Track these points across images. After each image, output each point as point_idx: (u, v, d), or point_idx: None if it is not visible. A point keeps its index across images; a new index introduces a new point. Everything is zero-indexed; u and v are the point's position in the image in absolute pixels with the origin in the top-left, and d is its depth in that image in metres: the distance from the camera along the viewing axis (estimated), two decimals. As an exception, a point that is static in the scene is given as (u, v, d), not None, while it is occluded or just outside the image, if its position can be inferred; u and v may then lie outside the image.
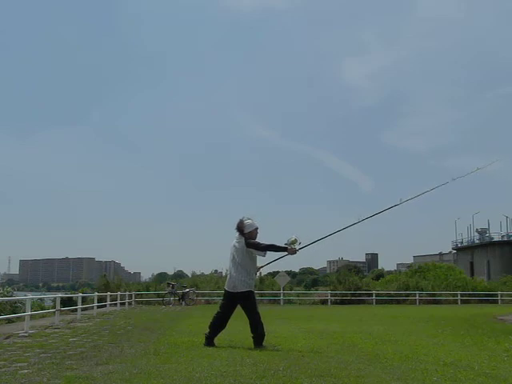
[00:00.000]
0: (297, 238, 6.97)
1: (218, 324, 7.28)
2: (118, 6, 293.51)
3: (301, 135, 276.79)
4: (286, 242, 7.00)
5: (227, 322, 7.34)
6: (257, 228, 7.24)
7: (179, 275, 57.98)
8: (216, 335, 7.29)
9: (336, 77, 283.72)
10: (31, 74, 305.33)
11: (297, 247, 7.00)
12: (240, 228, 7.15)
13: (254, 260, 7.26)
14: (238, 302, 7.23)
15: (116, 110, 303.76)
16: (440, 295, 30.01)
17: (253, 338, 7.14)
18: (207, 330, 7.31)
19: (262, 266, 7.68)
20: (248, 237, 7.11)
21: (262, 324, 7.15)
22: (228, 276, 7.38)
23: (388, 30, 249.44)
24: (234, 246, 7.24)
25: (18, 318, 12.72)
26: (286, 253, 7.07)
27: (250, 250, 7.09)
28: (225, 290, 7.34)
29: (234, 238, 7.32)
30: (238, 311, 7.35)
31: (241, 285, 7.08)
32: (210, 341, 7.20)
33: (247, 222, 7.18)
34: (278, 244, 7.04)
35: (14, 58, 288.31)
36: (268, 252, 7.08)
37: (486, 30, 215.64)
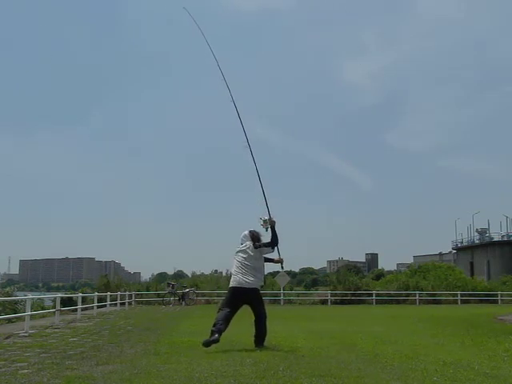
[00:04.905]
0: (261, 216, 7.70)
1: (224, 319, 6.95)
2: (118, 5, 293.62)
3: (300, 135, 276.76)
4: (267, 226, 7.61)
5: (231, 318, 7.10)
6: None
7: (179, 275, 57.85)
8: (222, 331, 6.87)
9: (336, 77, 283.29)
10: (31, 74, 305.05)
11: (269, 219, 7.66)
12: (258, 238, 7.64)
13: (262, 260, 7.63)
14: (247, 298, 7.16)
15: (116, 111, 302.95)
16: (440, 295, 29.99)
17: (255, 336, 7.16)
18: (213, 326, 6.89)
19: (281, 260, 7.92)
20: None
21: (266, 322, 7.22)
22: (239, 275, 7.26)
23: (388, 30, 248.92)
24: (246, 251, 7.44)
25: (18, 317, 12.74)
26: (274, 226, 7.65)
27: (262, 249, 7.53)
28: (231, 288, 7.25)
29: (238, 245, 7.58)
30: (238, 312, 7.32)
31: (253, 282, 7.22)
32: (214, 336, 6.73)
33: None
34: (271, 235, 7.60)
35: (14, 57, 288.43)
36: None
37: (486, 30, 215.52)
